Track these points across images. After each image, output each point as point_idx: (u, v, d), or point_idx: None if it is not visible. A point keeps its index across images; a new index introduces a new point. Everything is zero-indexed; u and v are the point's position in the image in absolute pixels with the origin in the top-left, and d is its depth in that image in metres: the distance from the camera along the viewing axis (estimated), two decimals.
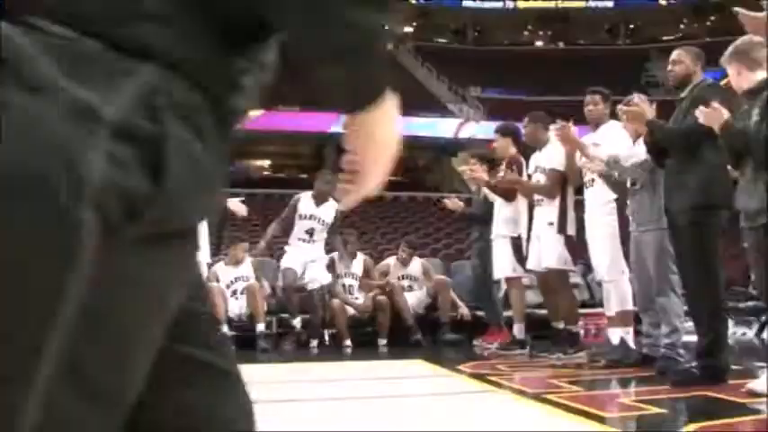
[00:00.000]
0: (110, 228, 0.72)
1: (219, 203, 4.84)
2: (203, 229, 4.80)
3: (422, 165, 32.02)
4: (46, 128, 0.70)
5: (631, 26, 38.98)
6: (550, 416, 3.80)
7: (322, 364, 6.75)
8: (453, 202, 8.14)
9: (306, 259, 7.93)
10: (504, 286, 7.52)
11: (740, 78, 4.25)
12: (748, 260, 4.46)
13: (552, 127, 6.28)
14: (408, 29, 41.19)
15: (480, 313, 8.20)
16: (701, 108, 4.25)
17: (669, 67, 5.03)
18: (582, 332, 7.35)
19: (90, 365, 0.76)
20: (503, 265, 7.09)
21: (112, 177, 0.71)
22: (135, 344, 0.79)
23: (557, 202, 6.44)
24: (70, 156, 0.69)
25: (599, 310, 7.40)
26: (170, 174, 0.74)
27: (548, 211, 6.47)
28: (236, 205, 7.03)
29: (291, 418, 3.63)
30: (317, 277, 7.89)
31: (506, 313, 7.59)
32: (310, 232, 7.96)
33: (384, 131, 0.90)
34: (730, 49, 4.32)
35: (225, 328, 7.63)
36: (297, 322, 7.82)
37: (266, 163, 33.52)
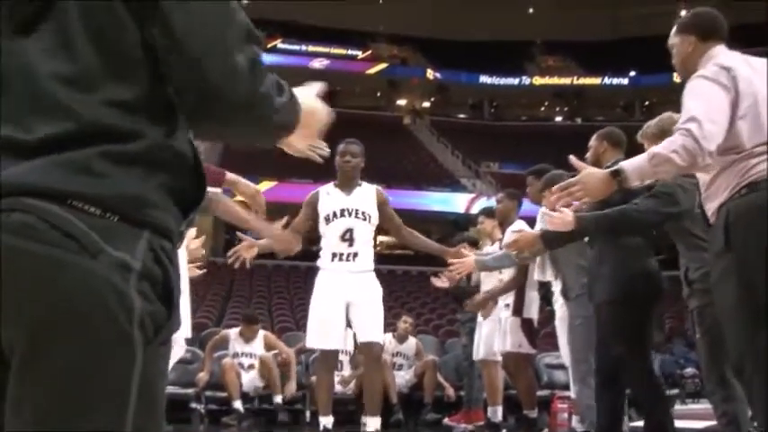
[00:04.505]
0: (148, 339, 1.14)
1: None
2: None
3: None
4: (102, 277, 1.09)
5: (646, 103, 39.18)
6: None
7: None
8: (441, 280, 7.92)
9: (349, 296, 5.27)
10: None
11: None
12: None
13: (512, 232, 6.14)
14: (425, 104, 41.73)
15: (463, 393, 8.06)
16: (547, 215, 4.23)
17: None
18: (566, 416, 7.18)
19: (140, 419, 1.14)
20: (482, 347, 6.92)
21: (145, 306, 1.12)
22: (156, 402, 1.19)
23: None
24: (120, 294, 1.10)
25: None
26: (175, 300, 1.18)
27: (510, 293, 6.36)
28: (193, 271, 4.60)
29: None
30: (369, 331, 5.32)
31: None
32: (348, 237, 5.32)
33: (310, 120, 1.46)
34: (653, 128, 4.15)
35: (238, 404, 7.65)
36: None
37: None
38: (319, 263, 5.45)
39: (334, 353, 5.44)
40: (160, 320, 1.16)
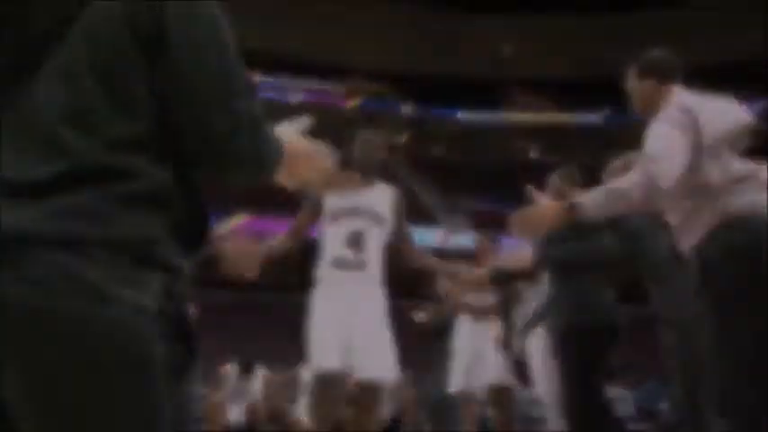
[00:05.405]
0: (172, 379, 1.15)
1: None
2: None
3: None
4: (120, 323, 1.10)
5: (621, 141, 39.66)
6: None
7: None
8: (420, 315, 7.90)
9: (350, 315, 4.08)
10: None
11: None
12: None
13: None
14: (401, 139, 41.89)
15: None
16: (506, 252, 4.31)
17: None
18: None
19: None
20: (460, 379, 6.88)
21: (166, 346, 1.14)
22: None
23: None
24: (140, 337, 1.11)
25: None
26: (192, 335, 1.22)
27: (493, 325, 6.37)
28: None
29: None
30: (376, 364, 4.07)
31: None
32: (356, 240, 4.22)
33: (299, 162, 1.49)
34: (619, 167, 4.22)
35: None
36: None
37: None
38: (317, 272, 4.32)
39: (338, 377, 4.00)
40: (181, 358, 1.19)
